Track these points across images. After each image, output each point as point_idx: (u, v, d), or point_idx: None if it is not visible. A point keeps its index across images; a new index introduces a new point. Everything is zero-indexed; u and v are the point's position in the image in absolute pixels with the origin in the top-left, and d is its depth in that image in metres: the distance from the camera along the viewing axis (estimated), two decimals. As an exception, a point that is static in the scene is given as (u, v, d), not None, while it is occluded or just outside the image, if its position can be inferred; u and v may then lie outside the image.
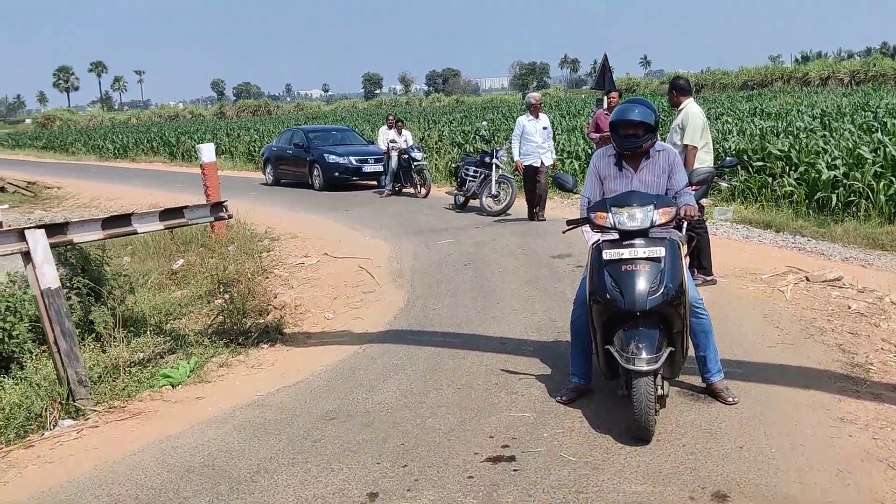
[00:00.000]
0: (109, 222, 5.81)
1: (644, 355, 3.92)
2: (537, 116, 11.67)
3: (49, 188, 25.18)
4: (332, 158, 17.53)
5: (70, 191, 24.15)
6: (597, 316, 4.22)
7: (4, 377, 6.52)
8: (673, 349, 4.15)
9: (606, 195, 4.57)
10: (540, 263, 8.69)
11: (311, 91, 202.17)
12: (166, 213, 6.35)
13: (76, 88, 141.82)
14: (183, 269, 10.60)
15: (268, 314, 7.95)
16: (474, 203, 13.07)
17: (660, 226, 4.22)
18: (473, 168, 12.97)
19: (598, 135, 10.33)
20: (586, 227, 4.54)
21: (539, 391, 4.87)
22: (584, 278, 4.45)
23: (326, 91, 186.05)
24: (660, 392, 4.06)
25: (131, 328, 7.70)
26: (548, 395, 4.78)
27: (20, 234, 5.11)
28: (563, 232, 4.73)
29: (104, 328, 7.46)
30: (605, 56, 14.31)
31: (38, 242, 5.14)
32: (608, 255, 4.15)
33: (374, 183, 17.53)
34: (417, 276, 8.50)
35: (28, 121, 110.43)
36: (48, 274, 5.15)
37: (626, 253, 4.12)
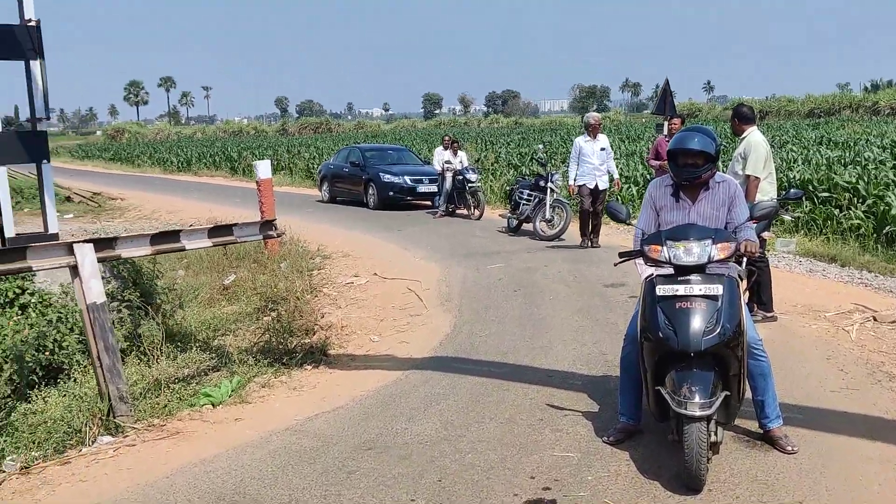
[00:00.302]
0: (158, 238, 5.82)
1: (697, 399, 3.69)
2: (595, 137, 11.38)
3: (113, 199, 25.80)
4: (387, 178, 17.55)
5: (133, 202, 24.70)
6: (648, 354, 4.01)
7: (51, 389, 6.57)
8: (728, 393, 3.91)
9: (662, 227, 4.37)
10: (592, 292, 8.46)
11: (371, 110, 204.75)
12: (215, 231, 6.34)
13: (145, 102, 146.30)
14: (234, 284, 10.64)
15: (314, 334, 7.88)
16: (527, 227, 12.89)
17: (718, 261, 4.00)
18: (528, 191, 12.80)
19: (658, 162, 10.01)
20: (640, 260, 4.33)
21: (585, 429, 4.66)
22: (636, 313, 4.24)
23: (387, 110, 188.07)
24: (713, 438, 3.82)
25: (179, 343, 7.72)
26: (594, 435, 4.56)
27: (69, 248, 5.13)
28: (615, 264, 4.53)
29: (152, 342, 7.50)
30: (667, 81, 14.01)
31: (86, 257, 5.16)
32: (662, 290, 3.94)
33: (429, 203, 17.48)
34: (465, 301, 8.35)
35: (99, 132, 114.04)
36: (94, 288, 5.16)
37: (680, 289, 3.90)
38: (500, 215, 14.28)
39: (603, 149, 11.39)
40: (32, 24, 7.56)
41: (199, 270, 11.73)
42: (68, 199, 25.27)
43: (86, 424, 5.04)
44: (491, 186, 19.77)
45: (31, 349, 6.89)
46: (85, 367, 7.01)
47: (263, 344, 7.50)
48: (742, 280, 4.30)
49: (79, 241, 5.18)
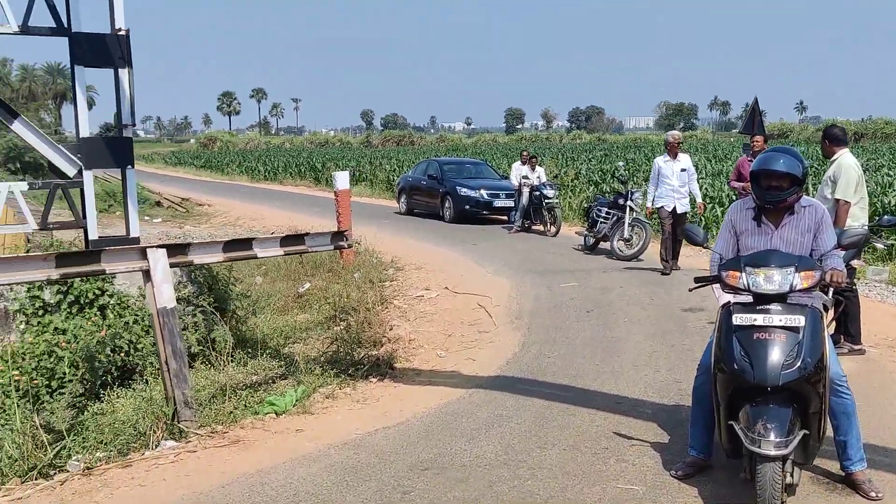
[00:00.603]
0: (230, 245, 5.88)
1: (772, 437, 3.45)
2: (675, 157, 10.81)
3: (200, 205, 26.60)
4: (463, 191, 17.51)
5: (219, 209, 25.40)
6: (721, 387, 3.78)
7: (124, 390, 6.71)
8: (807, 432, 3.64)
9: (742, 252, 4.13)
10: (669, 316, 8.16)
11: (454, 124, 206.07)
12: (287, 240, 6.38)
13: (237, 113, 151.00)
14: (308, 292, 10.74)
15: (381, 346, 7.85)
16: (605, 245, 12.60)
17: (800, 290, 3.74)
18: (606, 209, 12.53)
19: (741, 184, 9.56)
20: (718, 286, 4.10)
21: (652, 461, 4.44)
22: (712, 341, 4.01)
23: (469, 124, 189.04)
24: (788, 480, 3.57)
25: (249, 349, 7.81)
26: (661, 467, 4.34)
27: (142, 253, 5.22)
28: (691, 290, 4.31)
29: (224, 347, 7.60)
30: (756, 99, 13.54)
31: (159, 262, 5.24)
32: (739, 319, 3.71)
33: (505, 218, 17.34)
34: (536, 320, 8.17)
35: (192, 141, 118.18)
36: (165, 293, 5.23)
37: (759, 319, 3.67)
38: (576, 233, 14.02)
39: (684, 169, 10.78)
40: (122, 33, 7.80)
41: (277, 278, 11.92)
42: (158, 203, 26.20)
43: (150, 428, 5.10)
44: (570, 203, 19.50)
45: (106, 350, 7.08)
46: (157, 369, 7.16)
47: (331, 354, 7.52)
48: (827, 311, 4.02)
49: (152, 246, 5.27)
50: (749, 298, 3.81)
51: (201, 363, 7.35)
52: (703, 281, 4.08)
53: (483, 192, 17.48)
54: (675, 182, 10.66)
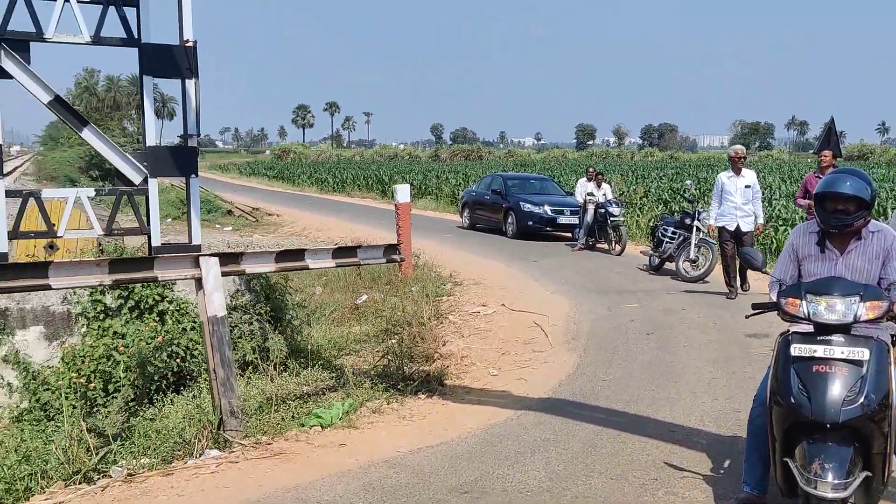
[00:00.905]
0: (283, 256, 5.89)
1: (830, 479, 3.22)
2: (739, 172, 10.12)
3: (270, 215, 27.08)
4: (527, 207, 17.34)
5: (287, 219, 25.82)
6: (777, 421, 3.55)
7: (176, 396, 6.79)
8: (870, 474, 3.39)
9: (804, 279, 3.91)
10: (732, 341, 7.85)
11: (523, 139, 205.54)
12: (340, 252, 6.37)
13: (311, 125, 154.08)
14: (365, 304, 10.75)
15: (433, 362, 7.77)
16: (670, 266, 12.26)
17: (866, 322, 3.50)
18: (672, 228, 12.19)
19: (807, 202, 9.04)
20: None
21: (703, 495, 4.22)
22: (769, 372, 3.79)
23: (539, 140, 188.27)
24: (849, 525, 3.32)
25: (303, 359, 7.83)
26: (712, 502, 4.12)
27: (195, 261, 5.26)
28: (747, 317, 4.09)
29: (277, 357, 7.64)
30: (832, 119, 12.98)
31: (211, 270, 5.27)
32: (797, 350, 3.49)
33: (569, 235, 17.09)
34: (593, 341, 7.97)
35: (267, 152, 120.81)
36: (216, 301, 5.26)
37: (819, 350, 3.44)
38: (641, 252, 13.71)
39: (748, 186, 10.08)
40: (190, 44, 7.97)
41: (336, 289, 11.99)
42: (229, 212, 26.78)
43: (195, 436, 5.12)
44: (637, 221, 19.14)
45: (163, 355, 7.19)
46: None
47: (382, 367, 7.47)
48: (895, 344, 3.76)
49: (205, 255, 5.32)
50: (809, 328, 3.58)
51: (254, 372, 7.40)
52: (760, 308, 3.86)
53: (547, 208, 17.28)
54: (739, 199, 9.99)
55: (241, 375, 7.34)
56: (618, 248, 14.74)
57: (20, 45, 7.43)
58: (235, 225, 24.27)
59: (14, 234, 7.44)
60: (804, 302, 3.56)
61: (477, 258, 14.53)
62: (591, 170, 16.32)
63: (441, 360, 7.72)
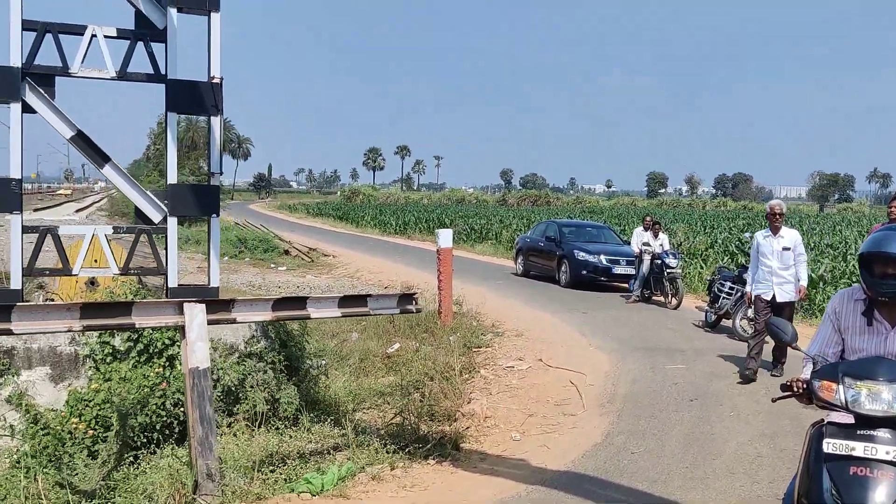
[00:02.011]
0: (281, 304, 5.50)
1: None
2: (777, 232, 8.58)
3: (326, 256, 27.03)
4: (581, 255, 16.68)
5: (343, 260, 25.70)
6: (806, 532, 2.91)
7: (176, 447, 6.41)
8: None
9: (847, 356, 3.27)
10: (784, 413, 7.05)
11: (594, 186, 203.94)
12: (347, 300, 5.95)
13: (381, 168, 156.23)
14: (397, 353, 10.29)
15: (454, 421, 7.24)
16: (727, 323, 11.45)
17: (919, 415, 2.85)
18: (730, 284, 11.38)
19: None
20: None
21: None
22: (799, 469, 3.15)
23: (609, 187, 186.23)
24: None
25: (317, 413, 7.40)
26: None
27: (178, 307, 4.90)
28: (774, 400, 3.44)
29: (287, 410, 7.23)
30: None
31: (196, 318, 4.90)
32: (831, 446, 2.86)
33: (625, 286, 16.34)
34: (629, 406, 7.30)
35: (338, 193, 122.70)
36: (199, 352, 4.87)
37: (859, 448, 2.80)
38: (696, 307, 12.90)
39: (787, 248, 8.46)
40: (216, 81, 7.78)
41: (373, 335, 11.55)
42: (286, 252, 26.85)
43: (167, 500, 4.70)
44: (700, 274, 18.27)
45: (167, 403, 6.83)
46: (219, 427, 6.87)
47: (396, 426, 6.97)
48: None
49: (190, 301, 4.95)
50: (849, 419, 2.95)
51: (264, 424, 6.99)
52: (789, 391, 3.22)
53: (602, 257, 16.59)
54: (775, 263, 8.42)
55: (248, 428, 6.95)
56: (674, 301, 13.94)
57: (45, 80, 7.33)
58: (291, 265, 24.25)
59: (29, 271, 7.26)
60: (841, 386, 2.93)
61: (524, 307, 13.95)
62: (647, 219, 15.59)
63: (462, 419, 7.18)
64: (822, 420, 3.08)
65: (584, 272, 16.55)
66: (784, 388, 3.22)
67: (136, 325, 4.83)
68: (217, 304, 5.17)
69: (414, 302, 6.41)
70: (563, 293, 16.00)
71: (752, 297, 8.67)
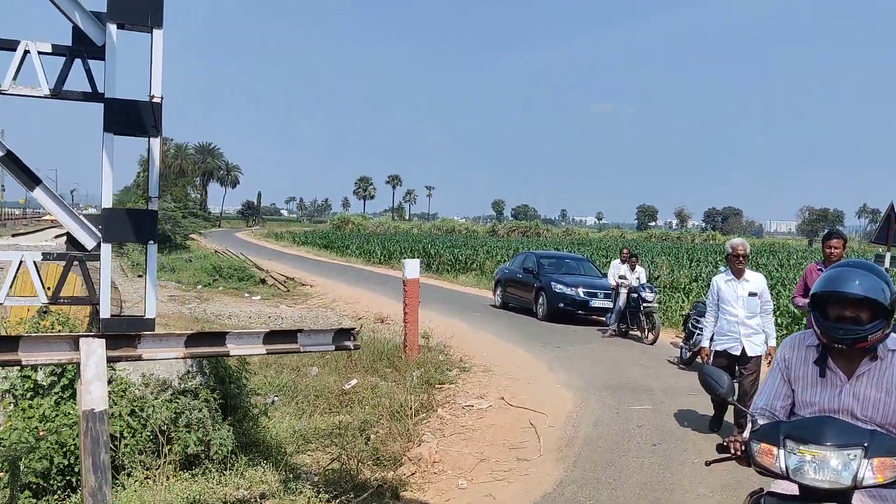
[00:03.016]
0: (196, 340, 5.01)
1: None
2: (740, 275, 7.36)
3: (303, 285, 26.52)
4: (558, 288, 16.25)
5: (320, 290, 25.19)
6: None
7: (70, 496, 5.89)
8: None
9: (797, 410, 2.83)
10: (754, 460, 6.59)
11: (585, 218, 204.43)
12: (274, 336, 5.46)
13: (372, 197, 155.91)
14: (354, 390, 9.77)
15: (399, 466, 6.72)
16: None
17: (872, 487, 2.40)
18: (704, 319, 10.93)
19: (804, 301, 6.96)
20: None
21: None
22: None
23: (600, 219, 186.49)
24: None
25: (253, 455, 6.88)
26: None
27: (74, 343, 4.42)
28: (708, 464, 2.98)
29: (217, 453, 6.71)
30: (892, 206, 11.74)
31: (93, 354, 4.43)
32: (771, 524, 2.40)
33: (604, 319, 15.90)
34: (587, 450, 6.81)
35: (328, 222, 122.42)
36: (95, 392, 4.39)
37: (801, 528, 2.35)
38: (671, 343, 12.45)
39: (753, 294, 7.29)
40: (157, 100, 7.37)
41: (334, 369, 11.04)
42: (263, 281, 26.32)
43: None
44: (682, 307, 17.86)
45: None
46: (158, 468, 6.37)
47: (333, 472, 6.45)
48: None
49: (87, 336, 4.48)
50: (793, 489, 2.49)
51: (193, 468, 6.48)
52: (725, 453, 2.76)
53: (580, 290, 16.16)
54: (741, 311, 7.24)
55: (177, 472, 6.44)
56: (650, 336, 13.50)
57: (-29, 97, 6.91)
58: (266, 294, 23.73)
59: (-52, 299, 6.77)
60: (782, 451, 2.49)
61: (497, 341, 13.49)
62: (624, 251, 15.19)
63: (409, 464, 6.67)
64: (762, 490, 2.63)
65: (562, 305, 16.12)
66: (720, 448, 2.77)
67: (23, 363, 4.35)
68: (120, 340, 4.69)
69: (352, 338, 5.91)
70: (538, 326, 15.53)
71: (711, 354, 7.41)
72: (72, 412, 6.60)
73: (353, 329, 6.14)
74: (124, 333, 4.89)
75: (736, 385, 5.50)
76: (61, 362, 4.47)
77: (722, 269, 8.27)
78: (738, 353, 7.24)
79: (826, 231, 7.59)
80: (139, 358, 4.81)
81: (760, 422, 2.78)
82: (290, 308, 20.86)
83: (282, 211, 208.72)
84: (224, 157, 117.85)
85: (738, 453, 2.67)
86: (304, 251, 50.91)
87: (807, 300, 6.73)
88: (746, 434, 2.74)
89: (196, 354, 5.08)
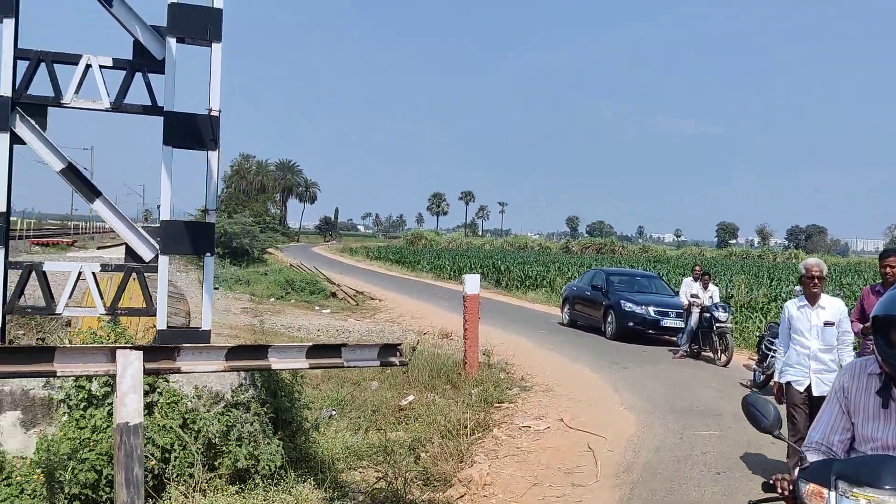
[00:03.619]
0: (237, 353, 4.94)
1: None
2: (815, 301, 6.11)
3: (373, 299, 26.64)
4: (627, 306, 15.78)
5: (388, 304, 25.26)
6: None
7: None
8: None
9: (858, 446, 2.53)
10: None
11: (663, 235, 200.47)
12: (317, 350, 5.36)
13: (445, 213, 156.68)
14: (411, 406, 9.63)
15: (449, 486, 6.53)
16: (778, 384, 10.43)
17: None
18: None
19: (859, 325, 6.54)
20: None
21: None
22: None
23: (678, 236, 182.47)
24: None
25: (303, 471, 6.79)
26: None
27: (111, 355, 4.40)
28: None
29: (264, 468, 6.64)
30: None
31: (129, 366, 4.39)
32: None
33: (675, 340, 15.35)
34: (646, 477, 6.47)
35: (402, 238, 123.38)
36: (130, 405, 4.35)
37: (855, 582, 2.06)
38: (743, 365, 11.89)
39: (829, 323, 6.05)
40: (215, 114, 7.42)
41: (393, 384, 10.94)
42: (333, 294, 26.55)
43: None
44: (760, 328, 17.15)
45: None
46: (210, 481, 6.37)
47: (379, 491, 6.30)
48: None
49: (124, 347, 4.44)
50: (848, 535, 2.20)
51: (243, 482, 6.43)
52: (771, 492, 2.47)
53: (650, 308, 15.65)
54: (814, 343, 6.03)
55: (226, 486, 6.41)
56: (723, 358, 12.93)
57: (37, 111, 7.09)
58: (336, 308, 23.92)
59: (10, 309, 6.94)
60: (833, 493, 2.20)
61: (561, 359, 13.17)
62: (696, 268, 14.65)
63: (458, 486, 6.47)
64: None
65: (631, 324, 15.65)
66: (767, 487, 2.49)
67: (58, 373, 4.34)
68: (159, 352, 4.65)
69: (398, 353, 5.76)
70: (606, 346, 15.10)
71: (781, 387, 6.29)
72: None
73: (399, 344, 5.98)
74: (163, 346, 4.86)
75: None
76: (97, 374, 4.46)
77: (798, 288, 7.68)
78: (802, 389, 6.03)
79: (883, 248, 6.93)
80: (178, 371, 4.76)
81: (812, 458, 2.49)
82: (358, 322, 20.95)
83: (358, 226, 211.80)
84: (303, 173, 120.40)
85: (786, 493, 2.39)
86: (377, 266, 51.32)
87: (863, 326, 6.36)
88: (796, 472, 2.45)
89: (237, 367, 5.02)
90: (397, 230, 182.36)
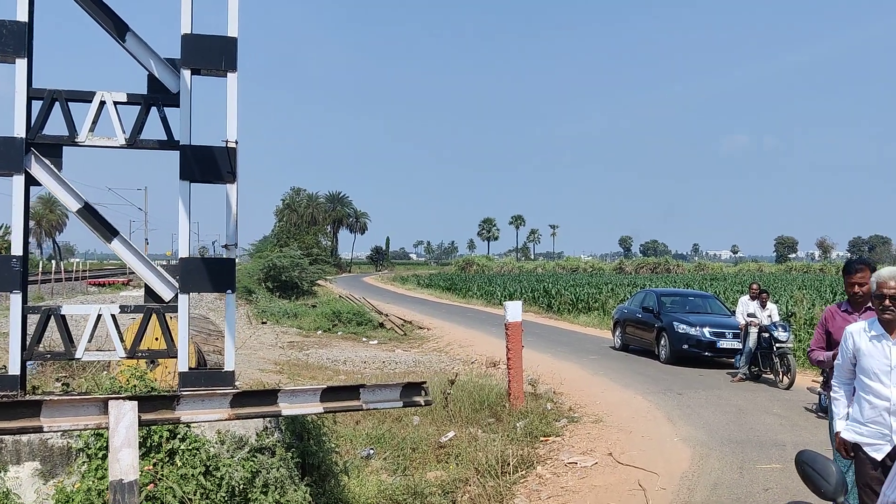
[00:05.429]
0: (242, 399, 4.58)
1: None
2: (894, 331, 4.08)
3: (421, 328, 26.26)
4: (681, 328, 15.07)
5: (436, 333, 24.87)
6: None
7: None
8: None
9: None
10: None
11: (719, 251, 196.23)
12: (332, 393, 4.96)
13: (496, 238, 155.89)
14: (451, 443, 9.16)
15: (487, 534, 6.04)
16: (847, 408, 9.67)
17: None
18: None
19: (828, 355, 5.24)
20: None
21: None
22: None
23: (735, 252, 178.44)
24: None
25: (332, 519, 6.40)
26: None
27: (103, 407, 4.07)
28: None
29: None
30: None
31: (123, 419, 4.06)
32: None
33: (732, 362, 14.59)
34: (702, 520, 5.89)
35: (453, 264, 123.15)
36: (124, 461, 4.01)
37: None
38: (807, 388, 11.13)
39: None
40: (232, 145, 7.17)
41: (434, 419, 10.48)
42: (381, 325, 26.25)
43: None
44: (823, 347, 16.23)
45: (153, 506, 6.01)
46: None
47: (411, 541, 5.85)
48: None
49: (117, 398, 4.10)
50: None
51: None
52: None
53: (706, 329, 14.92)
54: (893, 388, 4.05)
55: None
56: (785, 380, 12.18)
57: (52, 150, 6.94)
58: (383, 338, 23.61)
59: (30, 355, 6.73)
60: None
61: (612, 386, 12.56)
62: (753, 286, 13.89)
63: (496, 532, 5.98)
64: None
65: (686, 346, 14.93)
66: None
67: (45, 429, 4.03)
68: (156, 401, 4.31)
69: (423, 392, 5.32)
70: (660, 370, 14.42)
71: (846, 444, 4.32)
72: (144, 471, 6.35)
73: (423, 383, 5.54)
74: (161, 395, 4.52)
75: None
76: (88, 427, 4.13)
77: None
78: (878, 455, 4.09)
79: (846, 261, 5.52)
80: (178, 421, 4.41)
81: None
82: (405, 352, 20.60)
83: (410, 255, 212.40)
84: (353, 204, 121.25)
85: None
86: (427, 294, 51.02)
87: (829, 354, 5.12)
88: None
89: (243, 415, 4.64)
90: (449, 257, 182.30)
